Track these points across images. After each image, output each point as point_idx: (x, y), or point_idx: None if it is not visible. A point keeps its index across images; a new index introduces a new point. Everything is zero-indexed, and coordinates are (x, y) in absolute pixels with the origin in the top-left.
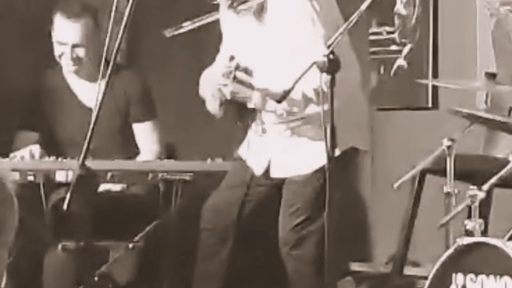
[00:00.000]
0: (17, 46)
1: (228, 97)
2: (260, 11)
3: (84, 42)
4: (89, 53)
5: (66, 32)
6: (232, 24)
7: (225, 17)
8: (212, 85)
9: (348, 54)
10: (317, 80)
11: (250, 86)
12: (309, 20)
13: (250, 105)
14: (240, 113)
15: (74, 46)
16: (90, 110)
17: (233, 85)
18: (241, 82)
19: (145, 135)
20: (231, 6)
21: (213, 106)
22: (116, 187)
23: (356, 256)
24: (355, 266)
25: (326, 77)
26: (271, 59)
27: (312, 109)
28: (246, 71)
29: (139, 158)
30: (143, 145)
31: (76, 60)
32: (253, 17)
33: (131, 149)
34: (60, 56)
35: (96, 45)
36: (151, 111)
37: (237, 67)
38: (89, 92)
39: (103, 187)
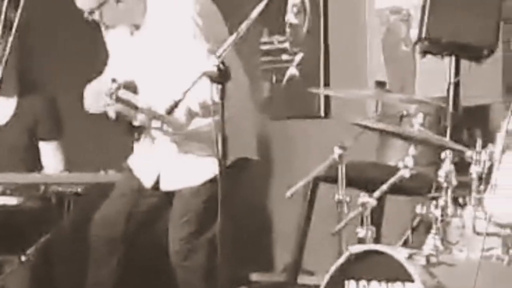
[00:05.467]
0: None
1: (113, 116)
2: (138, 27)
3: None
4: (7, 71)
5: None
6: (114, 39)
7: (107, 32)
8: (98, 103)
9: (234, 64)
10: (203, 93)
11: (133, 106)
12: (191, 35)
13: (136, 123)
14: (129, 128)
15: None
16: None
17: (116, 106)
18: (124, 102)
19: (50, 154)
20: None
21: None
22: (12, 201)
23: (254, 266)
24: (253, 276)
25: (216, 87)
26: (155, 74)
27: (200, 122)
28: (131, 86)
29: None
30: (47, 163)
31: None
32: (133, 32)
33: (35, 166)
34: None
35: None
36: (57, 131)
37: (119, 88)
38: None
39: None
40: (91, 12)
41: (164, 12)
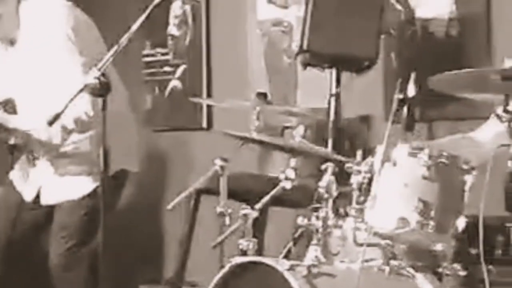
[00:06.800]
0: None
1: None
2: (12, 42)
3: None
4: None
5: None
6: None
7: None
8: None
9: (112, 76)
10: (78, 108)
11: (4, 128)
12: (64, 50)
13: (11, 142)
14: (8, 146)
15: None
16: None
17: None
18: None
19: None
20: None
21: None
22: None
23: (142, 278)
24: None
25: (96, 100)
26: (32, 91)
27: (78, 137)
28: (8, 104)
29: None
30: None
31: None
32: (7, 47)
33: None
34: None
35: None
36: None
37: None
38: None
39: None
40: None
41: (36, 27)
